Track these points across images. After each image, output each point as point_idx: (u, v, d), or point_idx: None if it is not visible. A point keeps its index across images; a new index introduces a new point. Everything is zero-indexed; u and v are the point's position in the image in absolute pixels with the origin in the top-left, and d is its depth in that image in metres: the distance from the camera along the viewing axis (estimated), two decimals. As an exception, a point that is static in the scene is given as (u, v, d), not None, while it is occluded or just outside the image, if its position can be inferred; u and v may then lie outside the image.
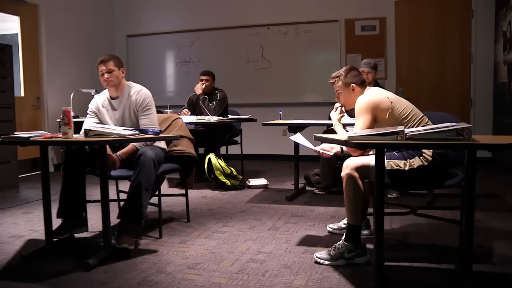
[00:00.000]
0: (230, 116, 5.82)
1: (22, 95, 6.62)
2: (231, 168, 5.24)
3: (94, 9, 7.98)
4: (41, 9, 6.90)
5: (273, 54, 7.69)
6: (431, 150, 2.72)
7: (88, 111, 3.55)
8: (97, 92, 6.47)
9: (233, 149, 6.13)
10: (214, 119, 5.29)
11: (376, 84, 4.71)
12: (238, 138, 6.07)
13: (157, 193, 3.41)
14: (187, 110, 5.73)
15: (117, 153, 3.27)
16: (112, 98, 3.53)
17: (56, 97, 7.07)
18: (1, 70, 5.46)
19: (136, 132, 2.98)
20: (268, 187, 5.31)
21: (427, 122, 2.83)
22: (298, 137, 3.38)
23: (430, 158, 2.73)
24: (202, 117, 5.41)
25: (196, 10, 8.05)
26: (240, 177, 5.34)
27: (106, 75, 3.42)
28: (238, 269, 2.76)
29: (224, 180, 5.13)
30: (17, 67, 6.47)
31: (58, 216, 3.26)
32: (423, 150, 2.75)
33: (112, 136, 2.84)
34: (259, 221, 3.87)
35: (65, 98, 6.93)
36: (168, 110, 5.02)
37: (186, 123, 4.22)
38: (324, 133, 4.28)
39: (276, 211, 4.19)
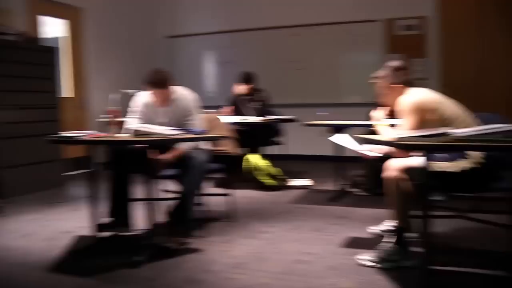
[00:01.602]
0: (271, 117, 5.82)
1: (68, 95, 6.80)
2: (273, 168, 5.24)
3: (136, 12, 8.11)
4: (88, 13, 7.09)
5: (312, 55, 7.65)
6: (480, 152, 2.65)
7: (133, 111, 3.60)
8: (140, 93, 6.62)
9: (275, 150, 6.12)
10: (256, 119, 5.30)
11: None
12: (280, 139, 6.05)
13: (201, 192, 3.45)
14: (227, 110, 5.76)
15: (164, 154, 3.30)
16: None
17: (99, 97, 7.22)
18: (46, 71, 5.63)
19: (181, 132, 3.02)
20: (310, 187, 5.28)
21: (474, 123, 2.75)
22: (339, 138, 3.36)
23: (480, 160, 2.65)
24: (244, 117, 5.43)
25: (236, 11, 8.08)
26: (283, 177, 5.33)
27: (157, 100, 3.46)
28: (284, 269, 2.76)
29: (267, 180, 5.13)
30: (64, 69, 6.64)
31: (110, 216, 3.35)
32: (469, 152, 2.67)
33: (159, 136, 2.88)
34: (303, 222, 3.85)
35: (108, 98, 7.06)
36: (209, 111, 5.06)
37: (228, 123, 4.24)
38: (366, 134, 4.23)
39: (319, 212, 4.16)
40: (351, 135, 3.39)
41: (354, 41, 7.39)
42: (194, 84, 7.50)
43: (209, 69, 8.35)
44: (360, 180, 4.98)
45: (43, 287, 2.63)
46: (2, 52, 5.10)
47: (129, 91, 6.77)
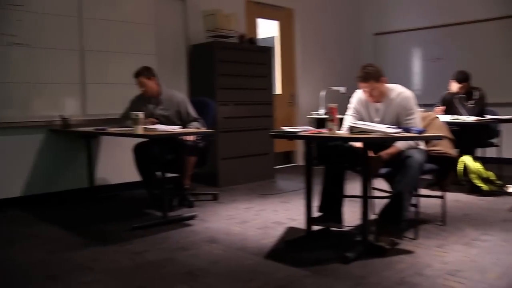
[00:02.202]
0: (487, 116, 5.38)
1: (279, 92, 7.17)
2: (488, 172, 4.85)
3: (343, 10, 8.20)
4: (296, 13, 7.39)
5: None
6: None
7: (349, 107, 3.62)
8: (348, 90, 6.67)
9: (491, 152, 5.65)
10: (470, 119, 4.96)
11: None
12: (496, 140, 5.57)
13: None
14: (440, 108, 5.48)
15: (380, 153, 3.26)
16: None
17: (308, 94, 7.48)
18: (263, 70, 6.02)
19: (400, 130, 2.95)
20: (533, 196, 4.76)
21: None
22: None
23: None
24: (457, 116, 5.12)
25: (448, 5, 7.61)
26: (499, 182, 4.90)
27: (370, 97, 3.42)
28: (508, 284, 2.53)
29: (480, 184, 4.76)
30: (275, 67, 7.02)
31: (319, 210, 3.42)
32: None
33: (377, 134, 2.86)
34: (528, 233, 3.49)
35: (316, 95, 7.27)
36: (421, 109, 4.87)
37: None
38: None
39: (545, 224, 3.73)
40: None
41: None
42: (400, 82, 7.23)
43: (416, 66, 8.04)
44: None
45: (258, 271, 2.80)
46: (226, 53, 5.61)
47: (336, 88, 6.89)
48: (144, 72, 4.50)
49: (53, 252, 3.21)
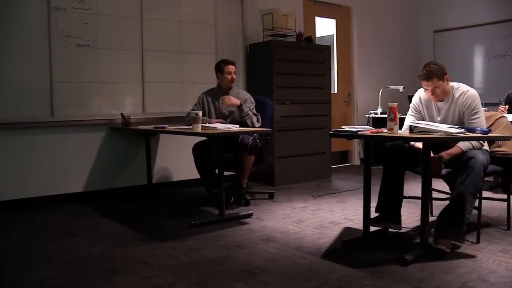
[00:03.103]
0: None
1: (336, 91, 7.11)
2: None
3: (401, 7, 8.02)
4: (354, 11, 7.30)
5: None
6: None
7: (410, 106, 3.55)
8: (406, 89, 6.54)
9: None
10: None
11: None
12: None
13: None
14: (504, 107, 5.28)
15: (441, 154, 3.18)
16: None
17: (365, 93, 7.38)
18: (321, 68, 5.99)
19: (463, 130, 2.86)
20: None
21: None
22: None
23: None
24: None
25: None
26: None
27: (433, 96, 3.33)
28: None
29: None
30: (332, 66, 6.96)
31: (376, 211, 3.37)
32: None
33: (438, 134, 2.78)
34: None
35: (373, 94, 7.16)
36: (484, 108, 4.70)
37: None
38: None
39: None
40: None
41: None
42: (461, 79, 6.97)
43: (478, 64, 7.76)
44: None
45: (315, 271, 2.79)
46: (283, 51, 5.62)
47: (394, 87, 6.77)
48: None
49: (113, 246, 3.31)
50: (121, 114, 4.85)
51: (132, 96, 5.11)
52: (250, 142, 4.32)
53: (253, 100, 4.66)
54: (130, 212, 4.41)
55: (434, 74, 3.22)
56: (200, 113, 3.89)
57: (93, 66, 4.82)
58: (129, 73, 5.06)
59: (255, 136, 4.41)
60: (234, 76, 4.63)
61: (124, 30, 4.99)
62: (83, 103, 4.81)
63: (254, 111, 4.56)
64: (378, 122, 6.33)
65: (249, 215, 4.08)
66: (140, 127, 4.83)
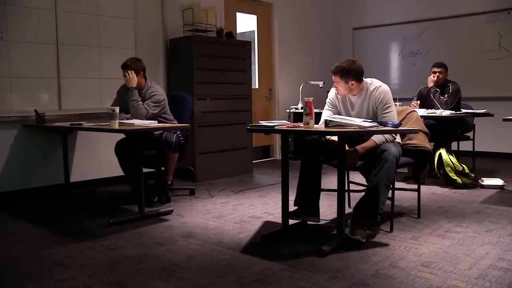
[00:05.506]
0: (463, 110, 5.45)
1: (257, 87, 7.17)
2: (462, 165, 4.92)
3: (321, 4, 8.21)
4: (275, 8, 7.37)
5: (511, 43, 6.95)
6: None
7: (326, 101, 3.63)
8: (325, 84, 6.70)
9: (464, 145, 5.74)
10: (445, 113, 5.02)
11: None
12: (470, 134, 5.66)
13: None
14: (416, 102, 5.54)
15: (356, 147, 3.29)
16: None
17: (286, 89, 7.48)
18: (242, 64, 6.00)
19: (375, 124, 2.97)
20: (505, 188, 4.84)
21: None
22: None
23: None
24: (433, 110, 5.18)
25: (425, 0, 7.69)
26: (473, 175, 4.97)
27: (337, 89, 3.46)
28: (478, 274, 2.57)
29: (455, 177, 4.83)
30: (253, 61, 7.00)
31: (295, 204, 3.43)
32: None
33: (352, 128, 2.87)
34: (497, 224, 3.54)
35: (295, 89, 7.28)
36: (397, 103, 4.92)
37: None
38: None
39: (515, 216, 3.80)
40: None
41: None
42: (378, 76, 7.20)
43: (395, 61, 8.11)
44: None
45: (234, 265, 2.80)
46: (204, 47, 5.57)
47: (315, 82, 6.92)
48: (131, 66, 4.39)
49: (27, 250, 3.15)
50: (35, 110, 4.61)
51: (47, 92, 4.87)
52: (174, 140, 4.27)
53: (155, 100, 4.39)
54: (46, 212, 4.21)
55: (337, 69, 3.35)
56: (117, 109, 3.78)
57: (3, 59, 4.55)
58: (43, 68, 4.81)
59: (178, 133, 4.36)
60: (127, 78, 4.34)
61: (37, 22, 4.74)
62: (-8, 99, 4.53)
63: (153, 110, 4.33)
64: (298, 117, 6.45)
65: (170, 212, 4.02)
66: (56, 124, 4.62)
